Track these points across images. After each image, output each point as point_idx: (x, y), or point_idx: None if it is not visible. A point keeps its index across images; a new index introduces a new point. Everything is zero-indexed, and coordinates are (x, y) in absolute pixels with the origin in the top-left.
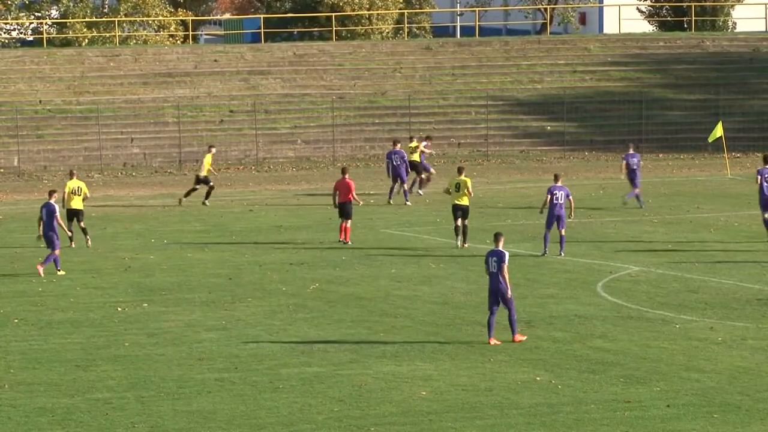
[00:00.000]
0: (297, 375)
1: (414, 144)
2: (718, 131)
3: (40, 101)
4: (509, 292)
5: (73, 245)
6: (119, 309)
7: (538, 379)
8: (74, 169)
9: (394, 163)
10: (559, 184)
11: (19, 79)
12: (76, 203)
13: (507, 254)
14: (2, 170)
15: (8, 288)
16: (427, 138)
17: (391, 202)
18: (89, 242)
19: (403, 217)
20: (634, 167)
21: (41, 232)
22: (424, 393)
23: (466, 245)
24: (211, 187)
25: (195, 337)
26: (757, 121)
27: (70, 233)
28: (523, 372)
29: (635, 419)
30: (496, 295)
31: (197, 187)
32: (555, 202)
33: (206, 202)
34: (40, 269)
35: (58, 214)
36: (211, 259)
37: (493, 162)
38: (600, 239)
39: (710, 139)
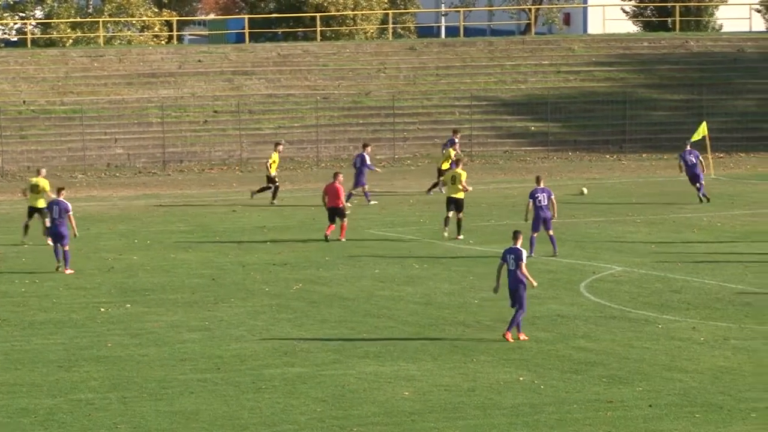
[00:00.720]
0: (280, 375)
1: (452, 151)
2: (702, 131)
3: (24, 102)
4: (534, 283)
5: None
6: (102, 310)
7: (520, 379)
8: (56, 169)
9: (356, 165)
10: (541, 186)
11: (3, 80)
12: (39, 202)
13: (525, 252)
14: None
15: None
16: (455, 132)
17: (372, 202)
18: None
19: (386, 217)
20: (691, 164)
21: (49, 230)
22: (406, 393)
23: (460, 237)
24: (277, 187)
25: (178, 338)
26: (740, 121)
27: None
28: (506, 372)
29: (618, 419)
30: (515, 293)
31: (271, 185)
32: (539, 204)
33: (275, 201)
34: (68, 271)
35: (71, 211)
36: (194, 260)
37: (477, 162)
38: (583, 239)
39: (693, 139)
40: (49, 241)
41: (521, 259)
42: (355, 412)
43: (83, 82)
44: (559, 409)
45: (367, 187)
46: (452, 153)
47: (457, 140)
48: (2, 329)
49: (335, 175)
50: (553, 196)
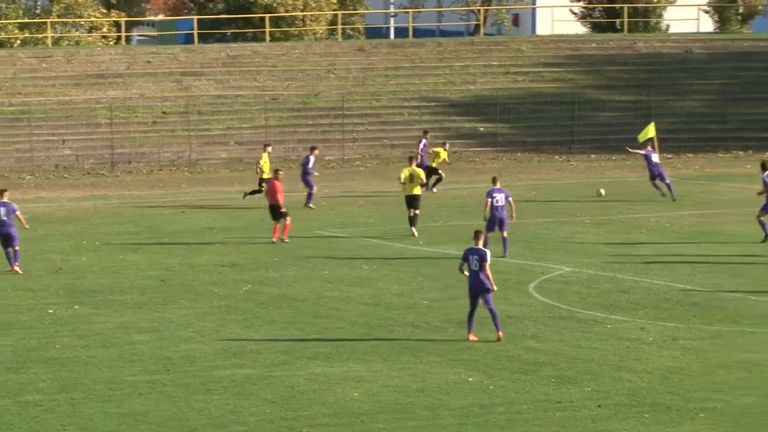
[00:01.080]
0: (229, 377)
1: (440, 150)
2: (650, 131)
3: None
4: (494, 287)
5: None
6: (50, 311)
7: (470, 379)
8: (4, 170)
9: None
10: (498, 186)
11: None
12: None
13: (488, 252)
14: None
15: None
16: (425, 132)
17: (311, 206)
18: None
19: (335, 218)
20: (655, 163)
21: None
22: (356, 394)
23: (415, 233)
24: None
25: (126, 339)
26: (687, 122)
27: None
28: (455, 373)
29: (567, 419)
30: (476, 293)
31: (261, 188)
32: (495, 204)
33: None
34: (16, 267)
35: (18, 211)
36: (143, 261)
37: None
38: (532, 240)
39: (640, 138)
40: None
41: (485, 260)
42: (305, 413)
43: (31, 83)
44: (508, 409)
45: (315, 189)
46: (444, 153)
47: (426, 141)
48: None
49: (275, 172)
50: (510, 198)
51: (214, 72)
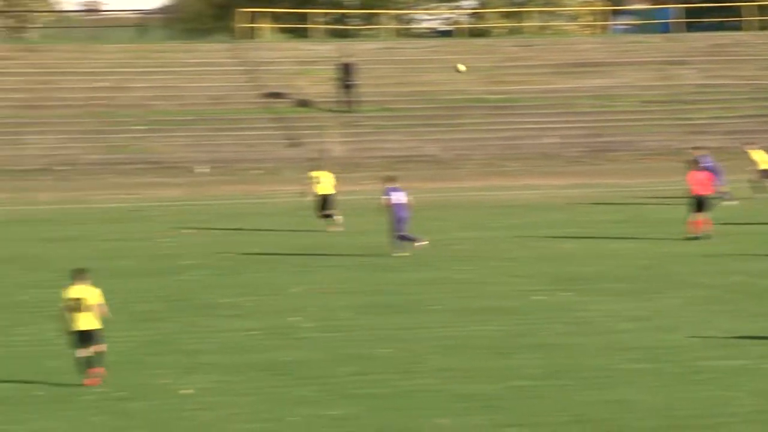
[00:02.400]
0: (715, 368)
1: None
2: None
3: (457, 91)
4: None
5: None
6: (535, 297)
7: None
8: (490, 157)
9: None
10: None
11: (436, 69)
12: (325, 189)
13: None
14: (421, 158)
15: (426, 275)
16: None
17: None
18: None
19: None
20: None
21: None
22: None
23: None
24: None
25: (613, 327)
26: None
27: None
28: None
29: None
30: None
31: None
32: None
33: None
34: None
35: None
36: (628, 249)
37: None
38: None
39: None
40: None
41: None
42: None
43: (512, 71)
44: None
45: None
46: None
47: None
48: (438, 315)
49: (695, 161)
50: None
51: (697, 61)
